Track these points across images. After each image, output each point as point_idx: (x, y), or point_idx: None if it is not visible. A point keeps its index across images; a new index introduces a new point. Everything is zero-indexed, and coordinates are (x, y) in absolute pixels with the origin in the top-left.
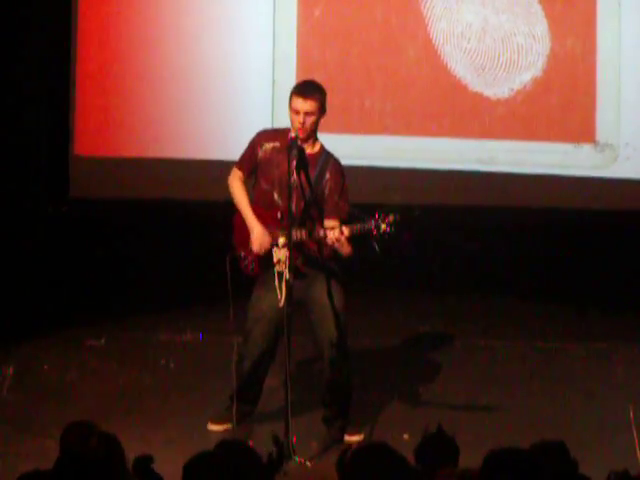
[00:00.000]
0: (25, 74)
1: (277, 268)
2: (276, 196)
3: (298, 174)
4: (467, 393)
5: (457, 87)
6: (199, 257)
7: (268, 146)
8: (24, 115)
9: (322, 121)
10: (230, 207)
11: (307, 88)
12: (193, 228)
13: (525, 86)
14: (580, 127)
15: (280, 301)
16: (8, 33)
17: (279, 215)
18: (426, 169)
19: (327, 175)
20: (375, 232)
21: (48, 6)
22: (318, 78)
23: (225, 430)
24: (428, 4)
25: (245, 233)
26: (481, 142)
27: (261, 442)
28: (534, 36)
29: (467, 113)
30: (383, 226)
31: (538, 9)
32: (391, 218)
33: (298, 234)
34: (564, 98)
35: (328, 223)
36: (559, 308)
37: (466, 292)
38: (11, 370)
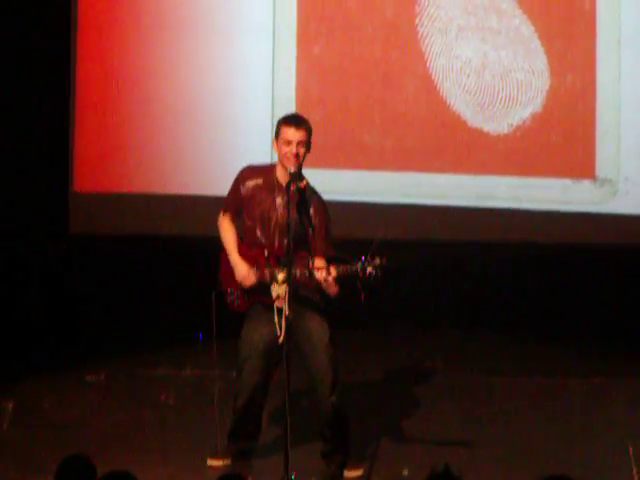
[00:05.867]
0: (24, 110)
1: (277, 304)
2: (259, 233)
3: (298, 213)
4: (466, 428)
5: (456, 123)
6: (200, 293)
7: (250, 183)
8: (24, 152)
9: (322, 156)
10: None
11: (298, 118)
12: (193, 264)
13: (524, 122)
14: (579, 162)
15: (280, 337)
16: (7, 67)
17: (266, 253)
18: (425, 205)
19: (311, 212)
20: (361, 275)
21: (48, 40)
22: (317, 114)
23: (224, 465)
24: (427, 40)
25: (232, 269)
26: (480, 178)
27: (260, 477)
28: (534, 72)
29: (466, 149)
30: (369, 269)
31: (538, 45)
32: (377, 262)
33: (297, 270)
34: (563, 134)
35: (315, 262)
36: (559, 344)
37: (465, 328)
38: (11, 406)
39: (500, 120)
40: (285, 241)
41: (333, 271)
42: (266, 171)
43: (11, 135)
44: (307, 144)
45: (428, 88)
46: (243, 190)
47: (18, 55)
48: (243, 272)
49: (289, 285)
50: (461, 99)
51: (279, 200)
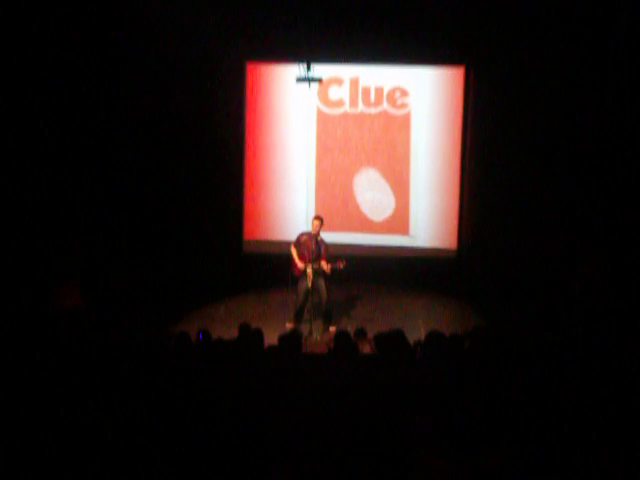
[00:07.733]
0: (210, 188)
1: (308, 272)
2: (305, 253)
3: (318, 247)
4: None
5: (362, 216)
6: (283, 273)
7: (303, 238)
8: (211, 216)
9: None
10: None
11: (317, 216)
12: (283, 263)
13: (387, 217)
14: (404, 228)
15: (309, 284)
16: (199, 153)
17: (307, 259)
18: (351, 244)
19: (322, 245)
20: (338, 267)
21: (227, 128)
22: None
23: (292, 327)
24: (359, 190)
25: (296, 265)
26: (364, 235)
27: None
28: (387, 195)
29: (361, 223)
30: (341, 265)
31: (385, 183)
32: (345, 262)
33: (316, 265)
34: (400, 219)
35: (322, 262)
36: None
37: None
38: (222, 309)
39: (378, 216)
40: (315, 254)
41: (327, 266)
42: (308, 234)
43: (199, 209)
44: (321, 223)
45: (353, 201)
46: (301, 240)
47: (202, 142)
48: (301, 266)
49: (312, 269)
50: (364, 207)
51: (312, 243)
